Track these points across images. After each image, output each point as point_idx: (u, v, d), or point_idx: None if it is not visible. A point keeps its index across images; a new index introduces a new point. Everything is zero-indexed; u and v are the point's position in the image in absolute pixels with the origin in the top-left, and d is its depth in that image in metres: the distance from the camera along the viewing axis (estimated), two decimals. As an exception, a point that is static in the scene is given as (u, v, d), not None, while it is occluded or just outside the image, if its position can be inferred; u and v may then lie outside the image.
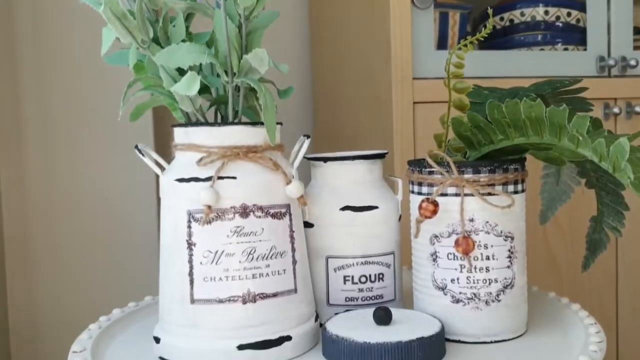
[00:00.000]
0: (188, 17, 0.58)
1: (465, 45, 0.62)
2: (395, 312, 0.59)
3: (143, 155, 0.57)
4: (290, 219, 0.57)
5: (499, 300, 0.58)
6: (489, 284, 0.58)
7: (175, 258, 0.55)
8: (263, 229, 0.55)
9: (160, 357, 0.57)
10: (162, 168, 0.58)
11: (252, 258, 0.54)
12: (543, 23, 1.20)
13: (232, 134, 0.55)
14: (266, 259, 0.55)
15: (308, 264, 0.62)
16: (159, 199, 0.61)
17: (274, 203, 0.56)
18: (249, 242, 0.54)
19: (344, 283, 0.64)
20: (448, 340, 0.59)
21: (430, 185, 0.60)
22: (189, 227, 0.54)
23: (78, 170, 1.15)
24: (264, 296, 0.55)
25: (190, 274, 0.54)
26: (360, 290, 0.64)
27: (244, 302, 0.54)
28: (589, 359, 0.50)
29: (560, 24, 1.20)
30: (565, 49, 1.20)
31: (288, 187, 0.56)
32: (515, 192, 0.59)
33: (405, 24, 1.01)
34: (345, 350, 0.54)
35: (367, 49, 1.11)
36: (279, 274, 0.56)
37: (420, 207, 0.57)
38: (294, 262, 0.57)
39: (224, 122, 0.58)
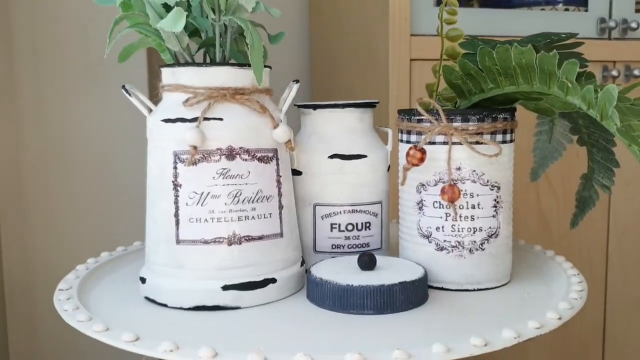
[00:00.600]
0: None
1: (459, -7, 0.61)
2: (380, 259, 0.60)
3: (130, 95, 0.57)
4: (278, 164, 0.57)
5: (482, 249, 0.58)
6: (474, 232, 0.58)
7: (161, 199, 0.55)
8: (249, 172, 0.55)
9: (146, 297, 0.57)
10: (149, 110, 0.58)
11: (238, 200, 0.54)
12: (544, -18, 1.18)
13: (220, 74, 0.55)
14: (252, 202, 0.55)
15: (295, 210, 0.62)
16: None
17: (260, 147, 0.56)
18: (235, 184, 0.54)
19: (331, 230, 0.64)
20: (431, 287, 0.59)
21: (419, 133, 0.59)
22: (175, 168, 0.54)
23: (70, 114, 1.15)
24: (250, 238, 0.55)
25: (176, 214, 0.55)
26: (347, 238, 0.64)
27: (230, 244, 0.54)
28: (568, 305, 0.50)
29: (562, -17, 1.19)
30: (566, 10, 1.18)
31: (275, 131, 0.56)
32: (504, 142, 0.59)
33: (403, -22, 1.00)
34: (328, 293, 0.54)
35: (365, 4, 1.09)
36: (264, 217, 0.56)
37: (407, 154, 0.57)
38: (281, 206, 0.57)
39: (212, 63, 0.57)
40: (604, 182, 0.73)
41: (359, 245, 0.65)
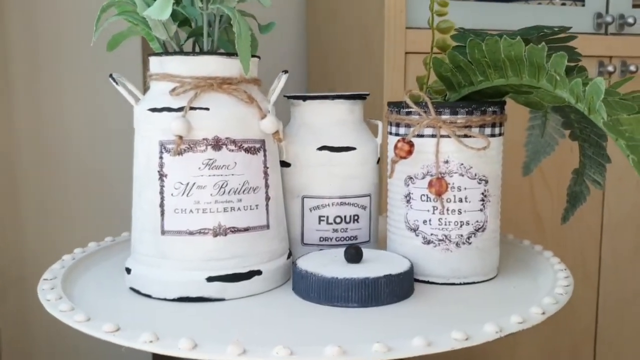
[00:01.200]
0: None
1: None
2: (367, 252, 0.60)
3: (117, 84, 0.56)
4: (265, 155, 0.57)
5: (469, 243, 0.58)
6: (461, 226, 0.58)
7: (147, 189, 0.55)
8: (236, 162, 0.55)
9: (131, 288, 0.57)
10: (137, 99, 0.58)
11: (224, 192, 0.54)
12: (542, -25, 1.17)
13: (207, 64, 0.54)
14: (238, 193, 0.55)
15: (283, 202, 0.61)
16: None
17: (247, 137, 0.55)
18: (221, 175, 0.54)
19: (319, 223, 0.64)
20: (418, 280, 0.59)
21: (408, 126, 0.59)
22: (161, 157, 0.54)
23: (62, 105, 1.14)
24: (235, 230, 0.55)
25: (162, 205, 0.54)
26: (335, 230, 0.64)
27: (215, 235, 0.54)
28: (553, 300, 0.50)
29: (559, -23, 1.18)
30: (563, 4, 1.18)
31: (262, 121, 0.55)
32: (492, 135, 0.58)
33: (399, -30, 0.99)
34: (313, 285, 0.54)
35: (359, -4, 1.08)
36: (251, 209, 0.56)
37: (395, 147, 0.57)
38: (267, 198, 0.57)
39: (200, 52, 0.57)
40: (595, 177, 0.73)
41: (347, 238, 0.65)
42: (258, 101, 0.56)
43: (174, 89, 0.54)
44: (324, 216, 0.64)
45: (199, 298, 0.54)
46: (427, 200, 0.58)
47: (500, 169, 0.60)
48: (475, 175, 0.58)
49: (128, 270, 0.57)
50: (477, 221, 0.58)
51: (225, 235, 0.54)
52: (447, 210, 0.58)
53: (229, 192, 0.54)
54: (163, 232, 0.54)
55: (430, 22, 0.62)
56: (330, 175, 0.63)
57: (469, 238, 0.58)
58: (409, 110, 0.58)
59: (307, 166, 0.63)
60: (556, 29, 0.68)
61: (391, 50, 1.00)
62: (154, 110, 0.54)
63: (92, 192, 1.17)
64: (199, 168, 0.54)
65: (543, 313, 0.48)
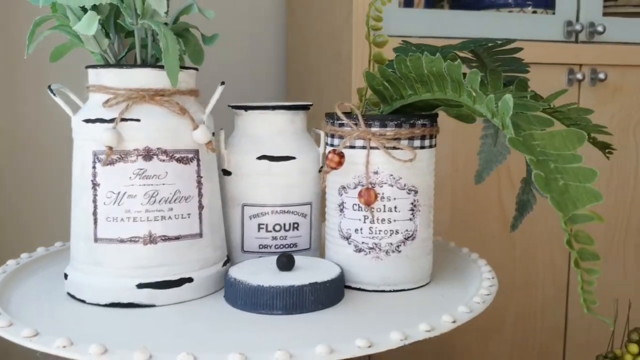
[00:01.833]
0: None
1: (386, -2, 0.62)
2: (301, 260, 0.61)
3: (55, 95, 0.58)
4: (199, 165, 0.59)
5: (399, 251, 0.59)
6: (390, 234, 0.59)
7: (81, 197, 0.57)
8: (167, 172, 0.56)
9: (68, 293, 0.59)
10: (75, 111, 0.59)
11: (155, 201, 0.56)
12: (513, -16, 1.19)
13: (140, 76, 0.56)
14: (169, 202, 0.56)
15: (221, 210, 0.63)
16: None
17: (179, 147, 0.57)
18: (152, 185, 0.56)
19: (258, 231, 0.65)
20: (350, 287, 0.60)
21: (341, 137, 0.60)
22: (94, 167, 0.56)
23: (16, 112, 1.14)
24: (166, 238, 0.56)
25: (94, 213, 0.56)
26: (274, 238, 0.66)
27: (145, 243, 0.56)
28: (467, 309, 0.51)
29: (531, -14, 1.19)
30: (534, 12, 1.19)
31: (195, 132, 0.57)
32: (422, 147, 0.60)
33: (367, -21, 1.00)
34: (240, 293, 0.56)
35: (333, 5, 1.10)
36: (182, 217, 0.57)
37: (326, 157, 0.58)
38: (201, 207, 0.59)
39: (133, 65, 0.59)
40: (540, 187, 0.74)
41: (287, 246, 0.66)
42: (191, 112, 0.57)
43: (107, 101, 0.55)
44: (263, 224, 0.65)
45: (130, 304, 0.55)
46: (358, 210, 0.60)
47: (432, 179, 0.62)
48: (405, 185, 0.59)
49: (65, 276, 0.59)
50: (407, 230, 0.60)
51: (156, 243, 0.56)
52: (377, 219, 0.59)
53: (160, 201, 0.56)
54: (96, 240, 0.56)
55: (367, 36, 0.63)
56: (270, 184, 0.65)
57: (398, 247, 0.60)
58: (342, 122, 0.60)
59: (248, 175, 0.65)
60: (499, 42, 0.70)
61: (359, 59, 1.02)
62: (88, 121, 0.56)
63: (51, 196, 1.16)
64: (130, 178, 0.55)
65: (454, 321, 0.49)
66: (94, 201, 0.56)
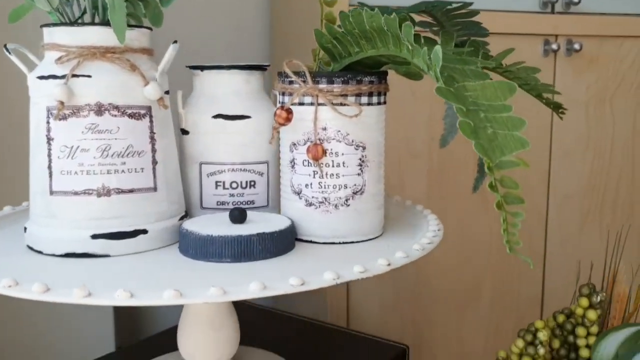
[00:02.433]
0: None
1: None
2: (255, 214, 0.63)
3: (10, 54, 0.60)
4: (152, 121, 0.60)
5: (348, 205, 0.61)
6: (339, 189, 0.61)
7: (37, 152, 0.59)
8: (119, 127, 0.58)
9: (27, 246, 0.61)
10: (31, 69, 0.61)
11: (107, 155, 0.58)
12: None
13: (92, 34, 0.57)
14: (122, 156, 0.58)
15: (178, 166, 0.65)
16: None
17: (131, 104, 0.58)
18: (104, 139, 0.57)
19: (216, 188, 0.67)
20: (301, 240, 0.62)
21: (291, 94, 0.62)
22: (48, 122, 0.57)
23: None
24: (119, 191, 0.58)
25: (49, 167, 0.58)
26: (232, 195, 0.67)
27: (99, 195, 0.58)
28: (404, 254, 0.53)
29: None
30: (509, -18, 1.19)
31: (145, 88, 0.59)
32: (370, 104, 0.61)
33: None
34: (191, 243, 0.58)
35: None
36: (135, 171, 0.59)
37: (275, 114, 0.60)
38: (154, 162, 0.60)
39: (84, 23, 0.60)
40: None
41: (244, 202, 0.68)
42: (143, 70, 0.59)
43: (59, 58, 0.57)
44: (220, 181, 0.67)
45: (85, 254, 0.57)
46: (308, 166, 0.61)
47: (381, 136, 0.63)
48: (353, 141, 0.61)
49: (25, 229, 0.61)
50: (355, 185, 0.61)
51: (110, 195, 0.58)
52: (326, 174, 0.61)
53: (112, 155, 0.58)
54: (51, 193, 0.58)
55: (318, -5, 0.64)
56: (226, 143, 0.67)
57: (347, 201, 0.61)
58: (291, 79, 0.61)
59: (204, 133, 0.67)
60: (456, 5, 0.71)
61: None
62: (41, 77, 0.58)
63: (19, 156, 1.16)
64: (82, 132, 0.57)
65: (388, 264, 0.51)
66: (49, 155, 0.58)
